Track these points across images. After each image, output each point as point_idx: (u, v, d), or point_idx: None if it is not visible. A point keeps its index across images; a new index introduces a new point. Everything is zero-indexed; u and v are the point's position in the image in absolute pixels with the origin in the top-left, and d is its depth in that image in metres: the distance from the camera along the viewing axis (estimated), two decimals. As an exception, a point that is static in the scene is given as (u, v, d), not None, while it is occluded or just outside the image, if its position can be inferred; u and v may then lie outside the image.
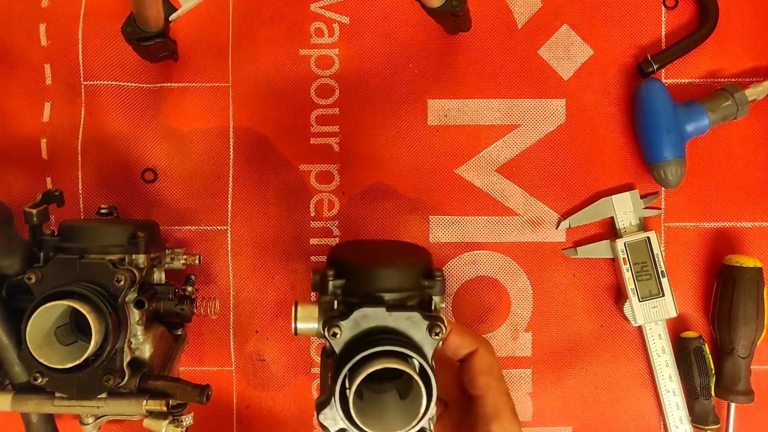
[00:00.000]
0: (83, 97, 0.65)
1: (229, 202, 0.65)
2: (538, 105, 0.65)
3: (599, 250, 0.64)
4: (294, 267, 0.65)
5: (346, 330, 0.40)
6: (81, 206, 0.65)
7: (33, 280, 0.49)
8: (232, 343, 0.65)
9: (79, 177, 0.65)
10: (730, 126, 0.64)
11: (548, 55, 0.65)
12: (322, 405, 0.40)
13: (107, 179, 0.65)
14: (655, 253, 0.62)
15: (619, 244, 0.62)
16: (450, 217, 0.65)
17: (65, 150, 0.64)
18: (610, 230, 0.65)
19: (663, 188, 0.64)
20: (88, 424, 0.54)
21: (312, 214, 0.65)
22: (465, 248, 0.65)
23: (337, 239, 0.65)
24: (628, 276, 0.62)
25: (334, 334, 0.40)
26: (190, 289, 0.59)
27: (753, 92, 0.62)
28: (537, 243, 0.65)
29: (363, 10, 0.65)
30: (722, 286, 0.62)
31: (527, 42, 0.65)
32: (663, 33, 0.65)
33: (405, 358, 0.39)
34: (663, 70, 0.65)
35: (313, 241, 0.65)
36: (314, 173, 0.65)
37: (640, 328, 0.64)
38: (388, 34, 0.65)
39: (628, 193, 0.64)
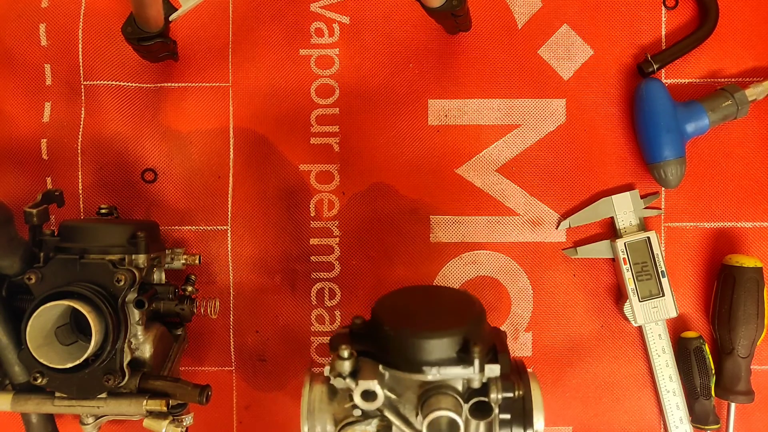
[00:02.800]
0: (83, 98, 0.65)
1: (229, 202, 0.65)
2: (539, 105, 0.65)
3: (599, 250, 0.64)
4: (294, 267, 0.65)
5: None
6: (81, 206, 0.65)
7: (33, 280, 0.49)
8: (232, 343, 0.65)
9: (79, 177, 0.65)
10: (730, 126, 0.64)
11: (548, 55, 0.65)
12: None
13: (107, 179, 0.65)
14: (655, 253, 0.62)
15: (620, 244, 0.62)
16: (450, 217, 0.65)
17: (65, 150, 0.64)
18: (610, 230, 0.65)
19: (663, 188, 0.64)
20: (88, 424, 0.54)
21: (312, 214, 0.65)
22: (465, 248, 0.65)
23: (338, 239, 0.65)
24: (628, 276, 0.62)
25: None
26: (190, 289, 0.59)
27: (753, 92, 0.62)
28: (537, 243, 0.65)
29: (363, 10, 0.65)
30: (722, 286, 0.62)
31: (527, 42, 0.65)
32: (663, 33, 0.65)
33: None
34: (663, 70, 0.65)
35: (313, 241, 0.65)
36: (314, 173, 0.65)
37: (640, 328, 0.64)
38: (388, 34, 0.65)
39: (628, 193, 0.64)
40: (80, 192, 0.65)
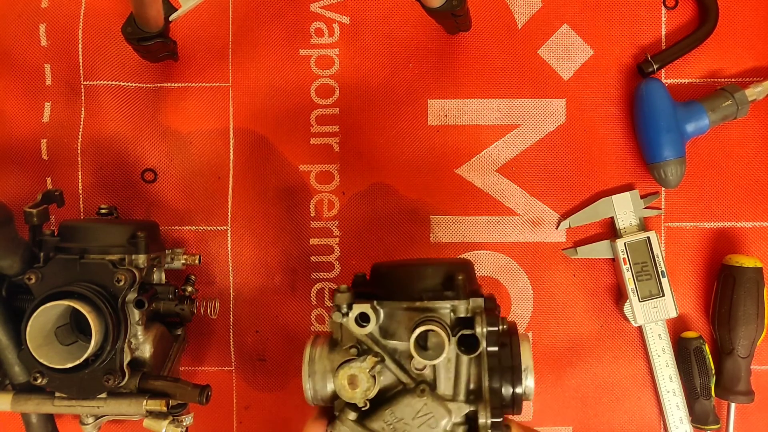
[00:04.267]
0: (83, 98, 0.65)
1: (229, 202, 0.65)
2: (538, 105, 0.65)
3: (599, 250, 0.64)
4: (294, 267, 0.65)
5: None
6: (81, 206, 0.65)
7: (33, 281, 0.49)
8: (232, 343, 0.65)
9: (79, 177, 0.65)
10: (730, 126, 0.64)
11: (548, 55, 0.65)
12: None
13: (107, 179, 0.65)
14: (655, 253, 0.62)
15: (620, 244, 0.62)
16: (450, 217, 0.65)
17: (65, 150, 0.64)
18: (610, 230, 0.65)
19: (663, 188, 0.64)
20: (88, 424, 0.54)
21: (312, 214, 0.65)
22: (465, 248, 0.65)
23: (338, 239, 0.65)
24: (628, 276, 0.62)
25: None
26: (190, 289, 0.59)
27: (753, 92, 0.62)
28: (537, 243, 0.65)
29: (363, 10, 0.65)
30: (722, 287, 0.62)
31: (527, 42, 0.65)
32: (663, 33, 0.65)
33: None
34: (663, 70, 0.65)
35: (313, 241, 0.65)
36: (314, 173, 0.65)
37: (640, 328, 0.64)
38: (388, 34, 0.65)
39: (628, 193, 0.64)
40: (80, 192, 0.65)
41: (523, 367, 0.40)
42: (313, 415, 0.42)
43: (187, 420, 0.54)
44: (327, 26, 0.65)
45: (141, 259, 0.53)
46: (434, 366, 0.41)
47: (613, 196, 0.64)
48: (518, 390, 0.40)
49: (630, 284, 0.62)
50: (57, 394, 0.51)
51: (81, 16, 0.65)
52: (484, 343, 0.39)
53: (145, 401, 0.52)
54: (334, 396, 0.41)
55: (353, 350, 0.41)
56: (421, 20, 0.64)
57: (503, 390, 0.40)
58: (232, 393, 0.65)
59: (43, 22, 0.65)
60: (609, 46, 0.65)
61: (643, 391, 0.64)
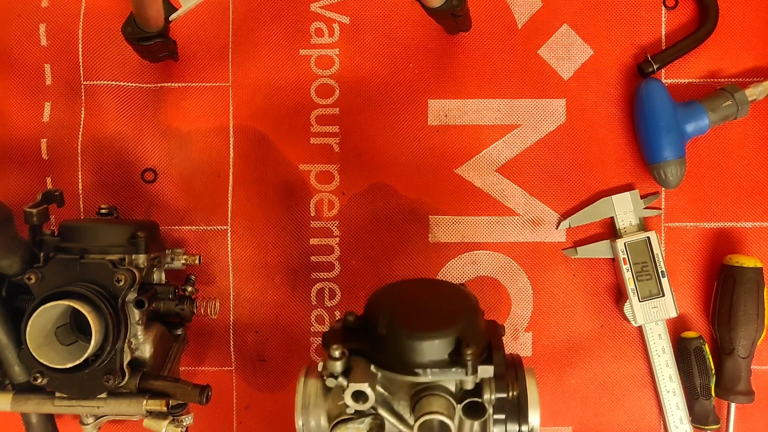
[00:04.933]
0: (83, 97, 0.65)
1: (229, 202, 0.65)
2: (538, 105, 0.65)
3: (599, 250, 0.64)
4: (294, 267, 0.65)
5: None
6: (81, 206, 0.65)
7: (33, 280, 0.49)
8: (232, 343, 0.65)
9: (79, 177, 0.65)
10: (730, 126, 0.64)
11: (548, 55, 0.65)
12: None
13: (107, 179, 0.65)
14: (655, 253, 0.62)
15: (620, 244, 0.62)
16: (450, 217, 0.65)
17: (65, 150, 0.64)
18: (610, 230, 0.65)
19: (663, 188, 0.64)
20: (88, 424, 0.54)
21: (312, 214, 0.65)
22: (465, 248, 0.65)
23: (338, 239, 0.65)
24: (628, 276, 0.62)
25: None
26: (190, 289, 0.59)
27: (753, 92, 0.62)
28: (537, 243, 0.65)
29: (363, 10, 0.65)
30: (722, 287, 0.62)
31: (527, 42, 0.65)
32: (663, 33, 0.65)
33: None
34: (663, 70, 0.65)
35: (313, 241, 0.65)
36: (314, 173, 0.65)
37: (640, 328, 0.64)
38: (388, 34, 0.65)
39: (628, 193, 0.64)
40: (80, 192, 0.65)
41: (529, 407, 0.39)
42: None
43: (187, 420, 0.54)
44: (327, 26, 0.65)
45: (141, 259, 0.53)
46: None
47: (613, 196, 0.64)
48: (524, 429, 0.38)
49: (630, 284, 0.62)
50: (57, 394, 0.51)
51: (81, 16, 0.65)
52: (491, 410, 0.37)
53: (145, 401, 0.52)
54: None
55: (350, 409, 0.38)
56: (421, 20, 0.64)
57: (508, 429, 0.39)
58: (232, 393, 0.65)
59: (43, 21, 0.65)
60: (609, 46, 0.65)
61: (643, 391, 0.64)
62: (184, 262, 0.60)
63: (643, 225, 0.64)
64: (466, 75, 0.65)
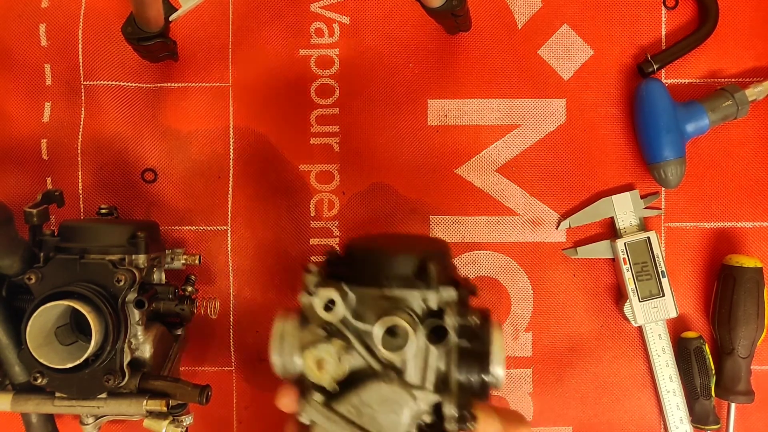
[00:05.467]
0: (83, 98, 0.65)
1: (229, 202, 0.65)
2: (538, 105, 0.65)
3: (599, 250, 0.64)
4: (294, 267, 0.65)
5: None
6: (81, 206, 0.65)
7: (33, 281, 0.49)
8: (232, 343, 0.65)
9: (79, 177, 0.65)
10: (730, 126, 0.64)
11: (548, 55, 0.65)
12: None
13: (107, 179, 0.65)
14: (655, 253, 0.62)
15: (620, 244, 0.62)
16: (450, 217, 0.65)
17: (65, 150, 0.64)
18: (610, 230, 0.65)
19: (663, 188, 0.64)
20: (88, 425, 0.54)
21: (312, 214, 0.65)
22: (465, 248, 0.65)
23: (338, 239, 0.65)
24: (628, 276, 0.62)
25: None
26: (190, 289, 0.59)
27: (753, 92, 0.62)
28: (537, 243, 0.65)
29: (363, 10, 0.65)
30: (722, 287, 0.62)
31: (527, 42, 0.65)
32: (663, 33, 0.65)
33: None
34: (663, 71, 0.65)
35: (313, 241, 0.65)
36: (314, 173, 0.65)
37: (640, 328, 0.64)
38: (388, 34, 0.65)
39: (628, 193, 0.64)
40: (80, 192, 0.65)
41: (493, 358, 0.39)
42: (287, 382, 0.42)
43: (187, 420, 0.54)
44: (327, 26, 0.65)
45: (141, 259, 0.53)
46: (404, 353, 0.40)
47: (613, 196, 0.64)
48: (487, 379, 0.39)
49: (630, 284, 0.62)
50: (57, 394, 0.51)
51: (81, 16, 0.65)
52: (453, 336, 0.38)
53: (145, 401, 0.52)
54: (303, 375, 0.41)
55: (321, 332, 0.40)
56: (421, 20, 0.64)
57: (471, 380, 0.39)
58: (232, 393, 0.65)
59: (43, 22, 0.65)
60: (609, 46, 0.65)
61: (643, 391, 0.64)
62: (184, 262, 0.60)
63: (643, 225, 0.64)
64: (466, 75, 0.65)
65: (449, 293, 0.39)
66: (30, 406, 0.52)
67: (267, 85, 0.65)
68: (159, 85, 0.65)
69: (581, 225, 0.64)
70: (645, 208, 0.64)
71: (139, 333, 0.52)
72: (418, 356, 0.39)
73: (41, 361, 0.48)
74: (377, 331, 0.38)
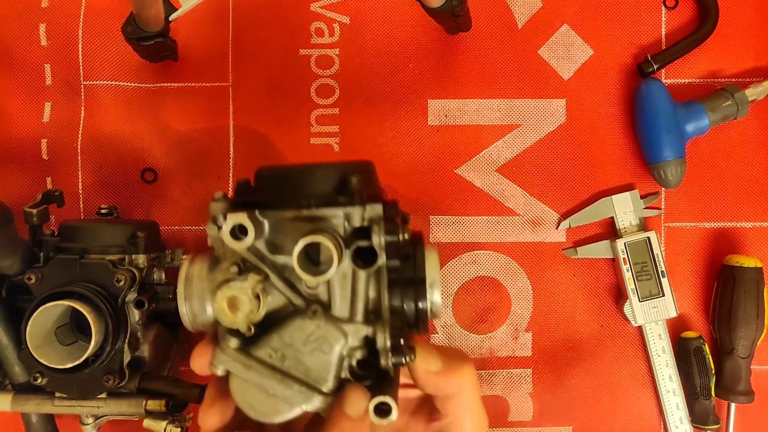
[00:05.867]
0: (83, 97, 0.65)
1: (229, 202, 0.65)
2: (539, 105, 0.65)
3: (599, 250, 0.64)
4: (294, 267, 0.65)
5: None
6: (81, 206, 0.64)
7: (33, 281, 0.49)
8: (232, 343, 0.65)
9: (79, 177, 0.65)
10: (730, 126, 0.64)
11: (548, 55, 0.65)
12: None
13: (107, 179, 0.65)
14: (655, 253, 0.62)
15: (620, 244, 0.62)
16: (450, 217, 0.65)
17: (65, 150, 0.64)
18: (610, 230, 0.65)
19: (663, 188, 0.64)
20: (87, 424, 0.54)
21: (312, 214, 0.65)
22: (465, 248, 0.65)
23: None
24: (628, 276, 0.62)
25: None
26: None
27: (753, 92, 0.62)
28: (537, 243, 0.65)
29: (363, 10, 0.65)
30: (722, 287, 0.62)
31: (527, 42, 0.65)
32: (663, 33, 0.65)
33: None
34: (663, 70, 0.65)
35: (313, 241, 0.65)
36: (314, 173, 0.65)
37: (640, 328, 0.64)
38: (388, 34, 0.65)
39: (628, 193, 0.64)
40: (80, 192, 0.65)
41: (428, 281, 0.35)
42: (204, 338, 0.37)
43: (187, 420, 0.54)
44: (327, 26, 0.65)
45: (141, 259, 0.53)
46: (328, 284, 0.35)
47: (613, 196, 0.64)
48: (421, 306, 0.35)
49: (630, 284, 0.62)
50: (57, 394, 0.52)
51: (81, 16, 0.65)
52: (383, 256, 0.34)
53: (144, 401, 0.52)
54: (216, 321, 0.36)
55: (234, 268, 0.35)
56: (421, 20, 0.64)
57: (405, 307, 0.35)
58: (232, 393, 0.65)
59: (43, 21, 0.65)
60: (609, 46, 0.65)
61: (643, 391, 0.64)
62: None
63: (643, 225, 0.64)
64: (466, 75, 0.65)
65: (375, 209, 0.35)
66: (30, 406, 0.52)
67: (267, 85, 0.65)
68: (159, 84, 0.65)
69: (581, 225, 0.64)
70: (645, 208, 0.64)
71: (139, 333, 0.52)
72: (345, 284, 0.35)
73: (41, 361, 0.48)
74: (296, 251, 0.33)
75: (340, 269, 0.34)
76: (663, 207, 0.65)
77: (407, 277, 0.35)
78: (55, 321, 0.50)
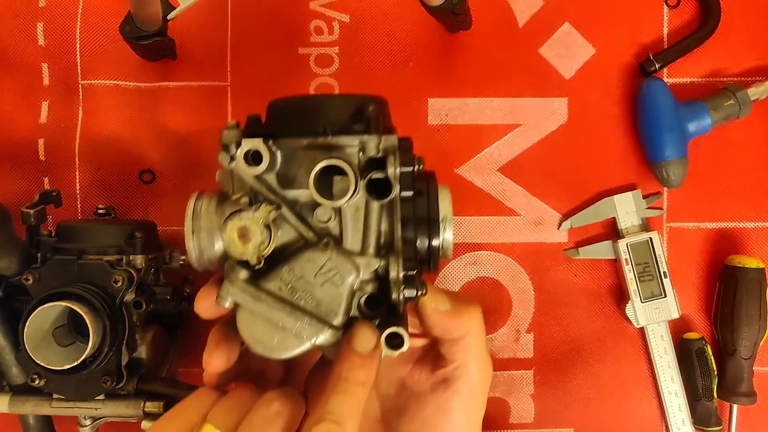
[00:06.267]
0: (81, 97, 0.64)
1: (228, 202, 0.64)
2: (540, 104, 0.65)
3: (601, 250, 0.64)
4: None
5: None
6: (78, 207, 0.64)
7: (30, 281, 0.49)
8: (231, 344, 0.64)
9: (77, 177, 0.64)
10: (732, 125, 0.64)
11: (550, 53, 0.65)
12: None
13: (105, 179, 0.64)
14: (657, 253, 0.62)
15: (621, 244, 0.62)
16: (450, 217, 0.64)
17: (63, 150, 0.64)
18: (612, 231, 0.64)
19: (665, 188, 0.64)
20: (85, 426, 0.54)
21: (312, 214, 0.65)
22: (466, 249, 0.64)
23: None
24: (630, 277, 0.62)
25: None
26: (188, 289, 0.59)
27: (755, 91, 0.61)
28: (538, 243, 0.64)
29: (363, 9, 0.65)
30: (724, 287, 0.62)
31: (528, 41, 0.65)
32: (665, 32, 0.65)
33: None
34: (665, 69, 0.64)
35: (313, 241, 0.65)
36: (314, 173, 0.65)
37: (642, 329, 0.63)
38: (388, 33, 0.65)
39: (630, 193, 0.63)
40: (78, 192, 0.64)
41: (441, 217, 0.36)
42: (209, 282, 0.37)
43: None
44: (326, 24, 0.65)
45: (138, 260, 0.52)
46: (340, 218, 0.35)
47: (614, 196, 0.63)
48: (435, 242, 0.35)
49: (632, 285, 0.62)
50: (55, 396, 0.51)
51: (79, 15, 0.64)
52: (397, 187, 0.34)
53: (143, 403, 0.52)
54: (224, 257, 0.35)
55: (245, 199, 0.34)
56: (421, 19, 0.63)
57: (418, 242, 0.35)
58: (231, 394, 0.65)
59: (40, 20, 0.64)
60: (611, 44, 0.65)
61: (644, 393, 0.64)
62: (182, 262, 0.60)
63: (645, 225, 0.63)
64: (467, 74, 0.65)
65: (390, 140, 0.35)
66: (28, 407, 0.52)
67: (266, 84, 0.65)
68: (157, 84, 0.64)
69: (583, 225, 0.64)
70: (647, 209, 0.64)
71: (136, 334, 0.52)
72: (357, 217, 0.35)
73: (39, 362, 0.47)
74: (314, 173, 0.33)
75: (353, 200, 0.34)
76: (665, 207, 0.64)
77: (420, 213, 0.35)
78: (53, 322, 0.50)
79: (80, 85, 0.64)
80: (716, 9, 0.63)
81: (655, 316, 0.62)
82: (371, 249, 0.35)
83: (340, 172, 0.33)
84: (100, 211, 0.60)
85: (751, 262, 0.61)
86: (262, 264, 0.34)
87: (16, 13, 0.64)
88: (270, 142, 0.34)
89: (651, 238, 0.62)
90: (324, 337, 0.34)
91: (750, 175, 0.64)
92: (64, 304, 0.47)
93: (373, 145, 0.34)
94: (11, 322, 0.51)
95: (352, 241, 0.35)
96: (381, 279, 0.35)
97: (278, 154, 0.35)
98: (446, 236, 0.35)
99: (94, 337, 0.47)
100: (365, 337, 0.33)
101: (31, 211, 0.53)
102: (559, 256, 0.64)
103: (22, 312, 0.48)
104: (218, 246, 0.35)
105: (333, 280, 0.34)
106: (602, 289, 0.64)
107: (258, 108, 0.66)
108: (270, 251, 0.34)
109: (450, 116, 0.65)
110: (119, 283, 0.49)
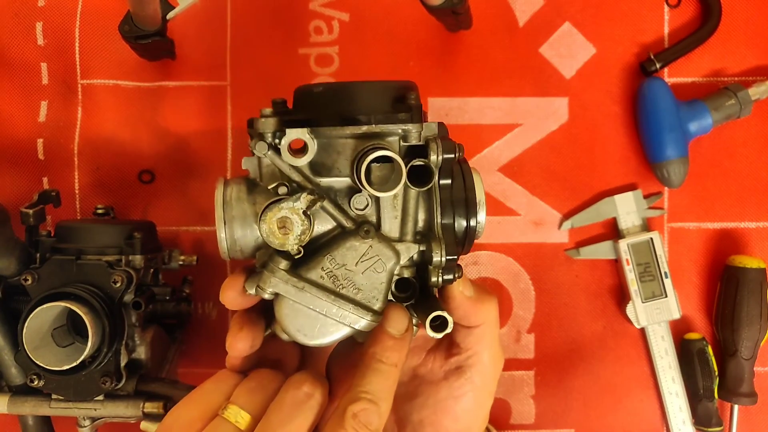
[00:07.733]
0: (80, 97, 0.64)
1: (228, 202, 0.64)
2: (540, 104, 0.64)
3: (602, 250, 0.64)
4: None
5: None
6: (77, 207, 0.64)
7: (29, 282, 0.49)
8: (230, 344, 0.64)
9: (76, 177, 0.64)
10: (733, 125, 0.63)
11: (550, 53, 0.65)
12: None
13: (104, 179, 0.64)
14: (658, 253, 0.62)
15: (622, 244, 0.62)
16: (451, 217, 0.64)
17: (62, 150, 0.64)
18: (612, 231, 0.64)
19: (666, 188, 0.64)
20: (84, 427, 0.53)
21: (311, 214, 0.65)
22: (466, 249, 0.64)
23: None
24: (631, 277, 0.62)
25: None
26: (187, 290, 0.59)
27: (756, 91, 0.61)
28: (539, 243, 0.64)
29: (363, 8, 0.65)
30: (725, 287, 0.62)
31: (529, 40, 0.65)
32: (666, 31, 0.65)
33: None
34: (666, 69, 0.64)
35: (313, 241, 0.64)
36: (314, 173, 0.65)
37: (642, 329, 0.63)
38: (388, 32, 0.65)
39: (630, 193, 0.63)
40: (77, 192, 0.64)
41: (477, 200, 0.36)
42: (236, 270, 0.37)
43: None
44: (326, 24, 0.65)
45: (138, 260, 0.52)
46: (377, 205, 0.35)
47: (615, 196, 0.63)
48: (472, 225, 0.36)
49: (633, 285, 0.62)
50: (54, 396, 0.51)
51: (78, 15, 0.64)
52: (436, 175, 0.34)
53: (142, 403, 0.51)
54: (257, 246, 0.35)
55: (283, 189, 0.34)
56: (421, 18, 0.63)
57: (456, 226, 0.36)
58: (231, 395, 0.65)
59: (39, 20, 0.64)
60: (611, 44, 0.64)
61: (645, 393, 0.64)
62: (181, 262, 0.60)
63: (646, 225, 0.63)
64: (467, 73, 0.64)
65: (431, 128, 0.35)
66: (27, 408, 0.52)
67: (266, 84, 0.64)
68: (157, 84, 0.64)
69: (584, 225, 0.64)
70: (648, 209, 0.63)
71: (136, 334, 0.52)
72: (395, 204, 0.35)
73: (38, 362, 0.47)
74: (365, 164, 0.33)
75: (402, 183, 0.34)
76: (666, 207, 0.64)
77: (454, 197, 0.36)
78: (52, 322, 0.50)
79: (79, 85, 0.64)
80: (717, 9, 0.63)
81: (655, 316, 0.62)
82: (409, 235, 0.35)
83: (379, 159, 0.33)
84: (99, 211, 0.59)
85: (752, 263, 0.61)
86: (301, 253, 0.34)
87: (15, 12, 0.64)
88: (308, 132, 0.34)
89: (652, 238, 0.62)
90: (365, 321, 0.34)
91: (751, 175, 0.64)
92: (63, 304, 0.47)
93: (416, 133, 0.35)
94: (10, 323, 0.51)
95: (390, 228, 0.35)
96: (418, 263, 0.35)
97: (313, 144, 0.34)
98: (480, 219, 0.36)
99: (93, 338, 0.47)
100: (398, 320, 0.34)
101: (30, 211, 0.53)
102: (560, 257, 0.64)
103: (21, 312, 0.48)
104: (252, 235, 0.35)
105: (374, 267, 0.34)
106: (603, 289, 0.64)
107: (258, 108, 0.66)
108: (306, 241, 0.34)
109: (450, 116, 0.65)
110: (118, 284, 0.49)
